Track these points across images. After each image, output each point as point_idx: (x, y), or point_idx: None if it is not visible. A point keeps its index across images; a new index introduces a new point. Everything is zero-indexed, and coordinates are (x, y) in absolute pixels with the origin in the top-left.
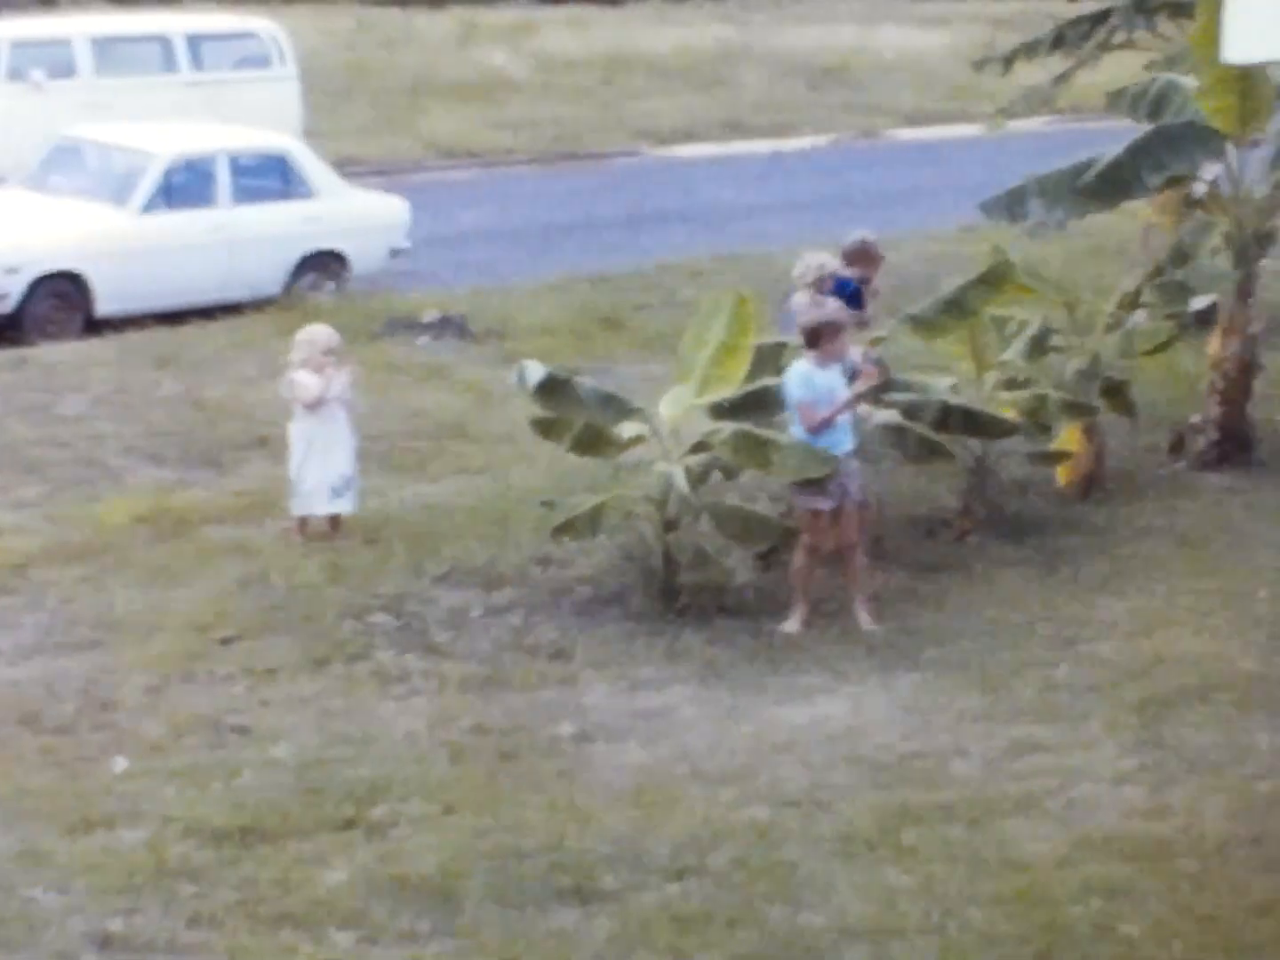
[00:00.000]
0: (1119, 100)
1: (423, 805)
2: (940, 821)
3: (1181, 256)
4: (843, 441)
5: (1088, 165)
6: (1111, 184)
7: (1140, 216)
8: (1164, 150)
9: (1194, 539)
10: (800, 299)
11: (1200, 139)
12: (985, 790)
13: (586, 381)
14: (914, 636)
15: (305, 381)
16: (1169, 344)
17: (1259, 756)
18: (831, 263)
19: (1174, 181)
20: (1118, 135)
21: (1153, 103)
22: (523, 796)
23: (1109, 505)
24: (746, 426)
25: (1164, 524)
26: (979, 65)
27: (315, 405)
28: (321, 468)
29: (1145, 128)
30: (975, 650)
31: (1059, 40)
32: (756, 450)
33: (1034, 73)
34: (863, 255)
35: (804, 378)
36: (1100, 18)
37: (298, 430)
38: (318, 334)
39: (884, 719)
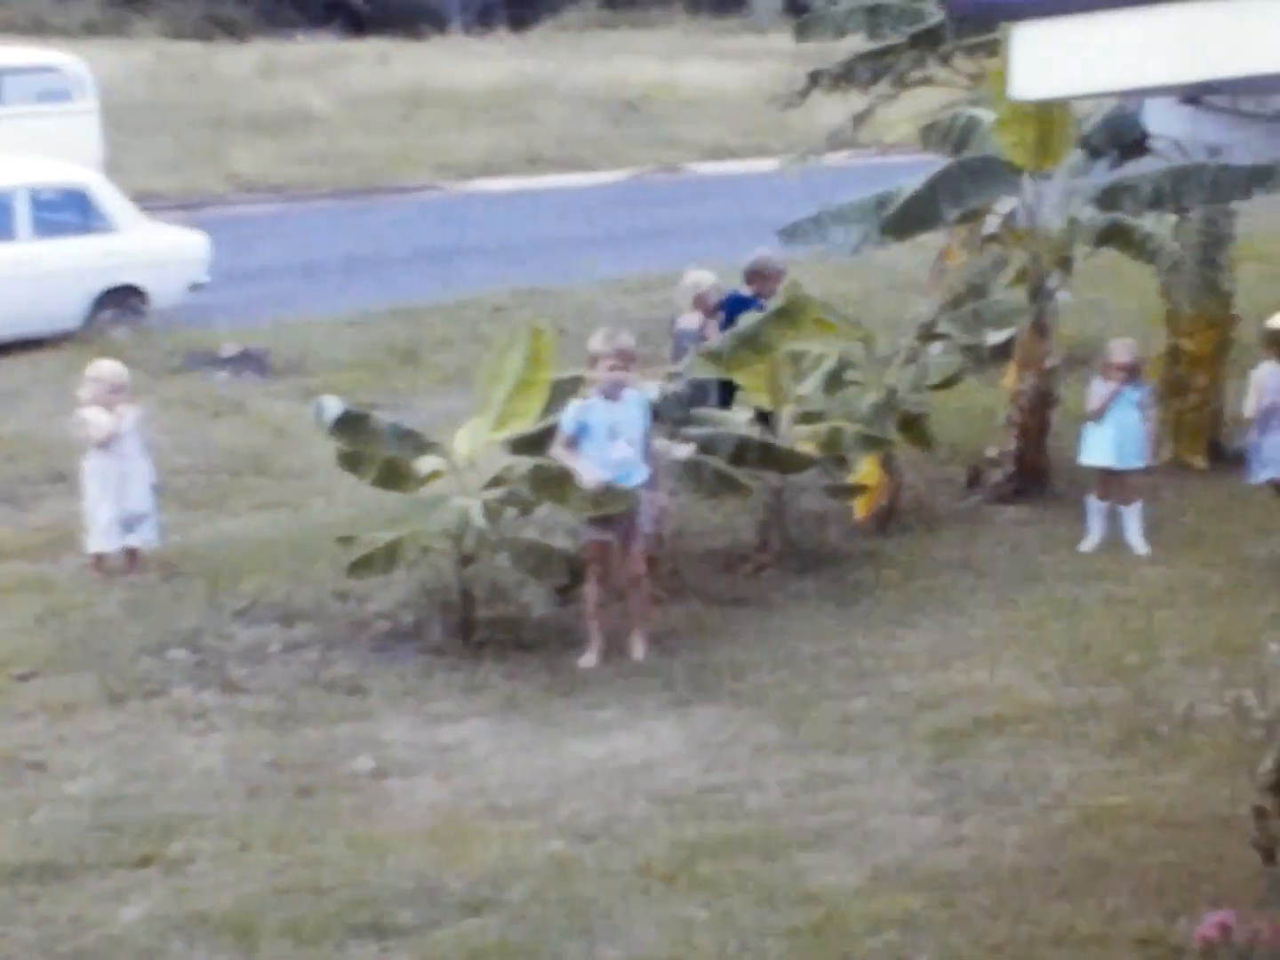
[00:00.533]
0: (930, 135)
1: (220, 842)
2: (736, 854)
3: (978, 290)
4: (632, 474)
5: (887, 196)
6: (911, 217)
7: (935, 249)
8: (962, 184)
9: (989, 571)
10: (689, 319)
11: (997, 173)
12: (781, 823)
13: (384, 416)
14: (711, 670)
15: (95, 419)
16: (960, 376)
17: (1052, 787)
18: (708, 280)
19: (972, 215)
20: (916, 168)
21: (958, 137)
22: (320, 832)
23: (906, 538)
24: (544, 460)
25: (960, 556)
26: (776, 101)
27: (106, 442)
28: (116, 503)
29: (946, 161)
30: (772, 683)
31: (848, 75)
32: (554, 485)
33: (834, 107)
34: (760, 273)
35: (575, 410)
36: (892, 53)
37: (91, 467)
38: (105, 371)
39: (680, 752)
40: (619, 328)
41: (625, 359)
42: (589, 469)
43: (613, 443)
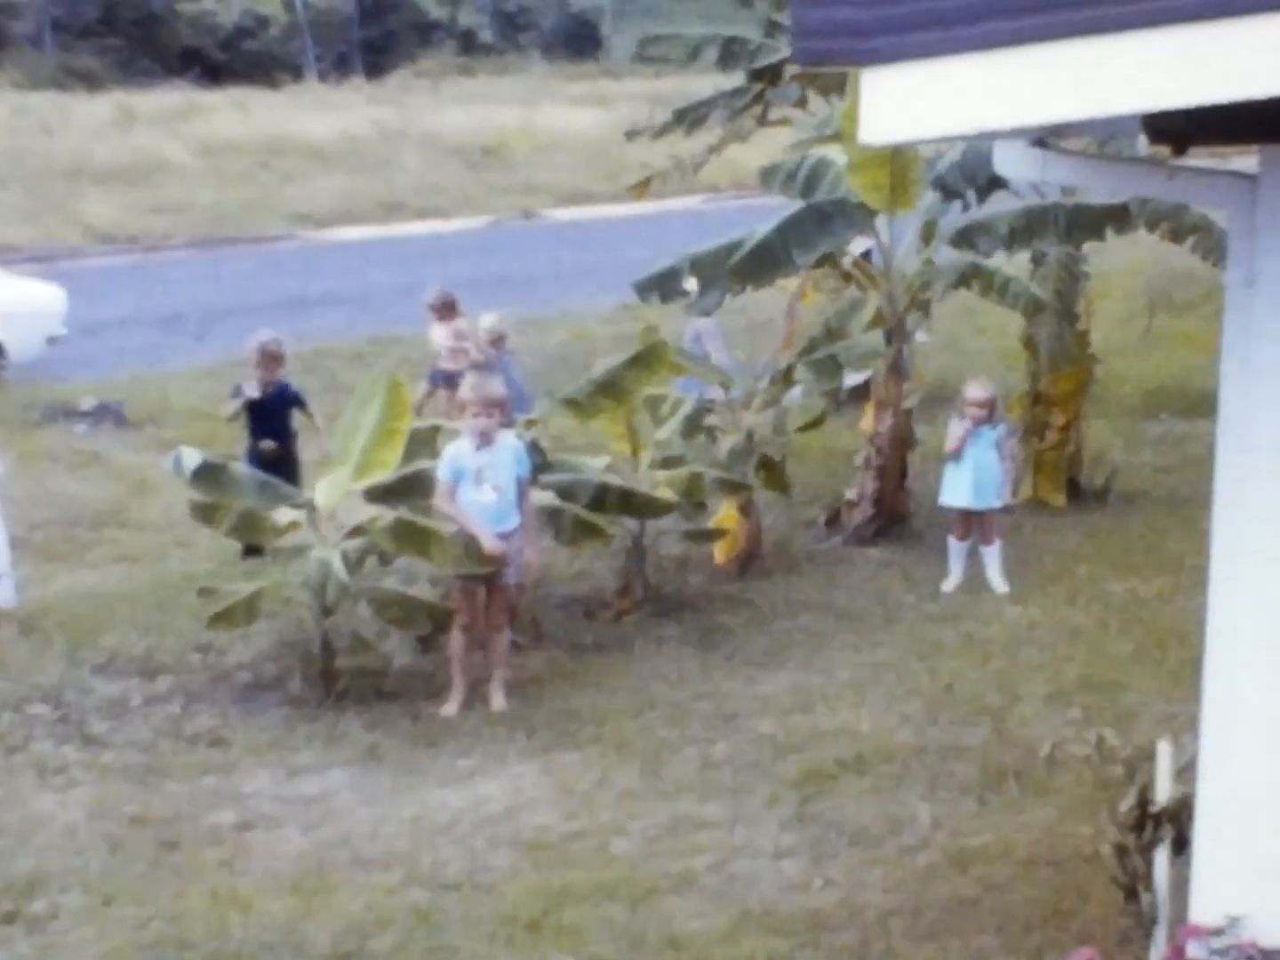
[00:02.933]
0: (772, 177)
1: (83, 897)
2: (602, 901)
3: (835, 333)
4: (500, 521)
5: (740, 243)
6: (762, 263)
7: (787, 291)
8: (813, 228)
9: (851, 612)
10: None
11: (849, 215)
12: (646, 868)
13: (242, 467)
14: (573, 716)
15: None
16: (821, 420)
17: (917, 828)
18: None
19: (826, 258)
20: (775, 211)
21: (806, 179)
22: (184, 886)
23: (767, 581)
24: (405, 514)
25: (821, 599)
26: (630, 136)
27: None
28: None
29: (801, 203)
30: (635, 729)
31: (702, 116)
32: (416, 539)
33: (691, 148)
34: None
35: (448, 457)
36: (749, 93)
37: None
38: None
39: (544, 799)
40: (487, 375)
41: (492, 406)
42: (488, 535)
43: (479, 487)
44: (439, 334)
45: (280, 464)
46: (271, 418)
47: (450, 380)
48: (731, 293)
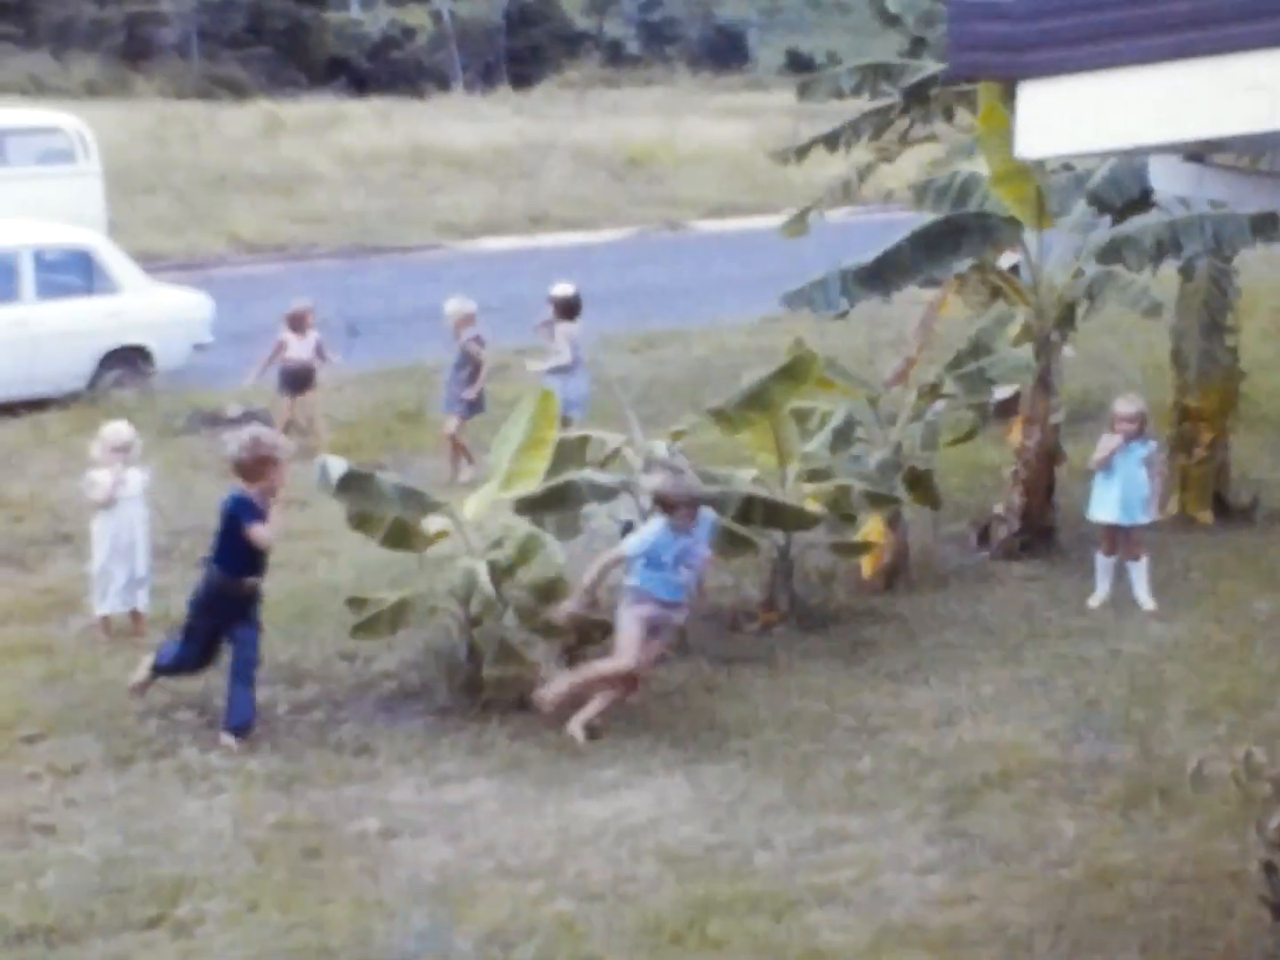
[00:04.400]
0: (924, 193)
1: (227, 903)
2: (745, 913)
3: (981, 346)
4: (686, 589)
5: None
6: (888, 272)
7: (930, 304)
8: (944, 240)
9: (996, 628)
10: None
11: (989, 228)
12: (790, 881)
13: (388, 477)
14: (718, 728)
15: (98, 479)
16: (971, 434)
17: (1060, 844)
18: (466, 307)
19: (976, 270)
20: (909, 227)
21: (957, 195)
22: (327, 893)
23: (912, 595)
24: (535, 530)
25: (967, 613)
26: (777, 157)
27: (107, 503)
28: (123, 565)
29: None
30: (779, 741)
31: (854, 133)
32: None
33: (836, 163)
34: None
35: (648, 536)
36: (894, 110)
37: (99, 528)
38: (108, 432)
39: (688, 811)
40: (681, 474)
41: (696, 506)
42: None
43: (676, 569)
44: (295, 346)
45: None
46: None
47: (302, 384)
48: (865, 299)
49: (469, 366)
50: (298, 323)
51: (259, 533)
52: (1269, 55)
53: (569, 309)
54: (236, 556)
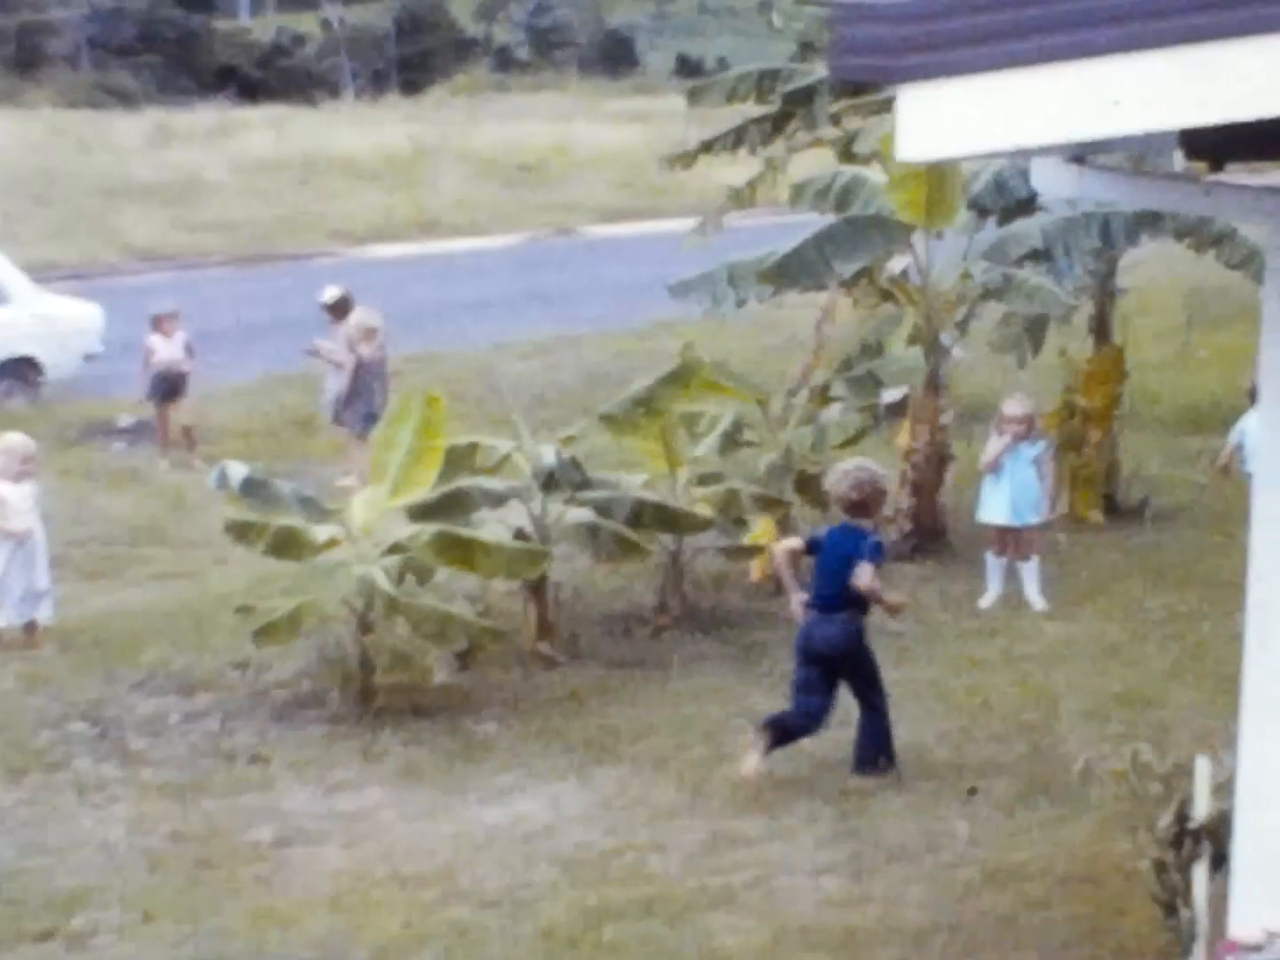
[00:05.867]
0: (803, 194)
1: (122, 914)
2: (641, 917)
3: (871, 349)
4: None
5: (777, 254)
6: (796, 269)
7: (820, 305)
8: (851, 239)
9: (889, 629)
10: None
11: (887, 230)
12: (685, 885)
13: (284, 484)
14: (611, 733)
15: (3, 493)
16: (859, 437)
17: (955, 844)
18: (373, 318)
19: (864, 274)
20: (812, 228)
21: (838, 196)
22: (223, 903)
23: None
24: (448, 526)
25: None
26: (666, 162)
27: (12, 515)
28: (20, 577)
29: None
30: (673, 745)
31: (740, 137)
32: (461, 550)
33: (727, 168)
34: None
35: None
36: (785, 116)
37: None
38: (14, 443)
39: (583, 816)
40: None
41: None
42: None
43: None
44: (162, 349)
45: None
46: None
47: (173, 388)
48: (761, 297)
49: (380, 379)
50: (164, 325)
51: (872, 579)
52: (1149, 57)
53: (342, 310)
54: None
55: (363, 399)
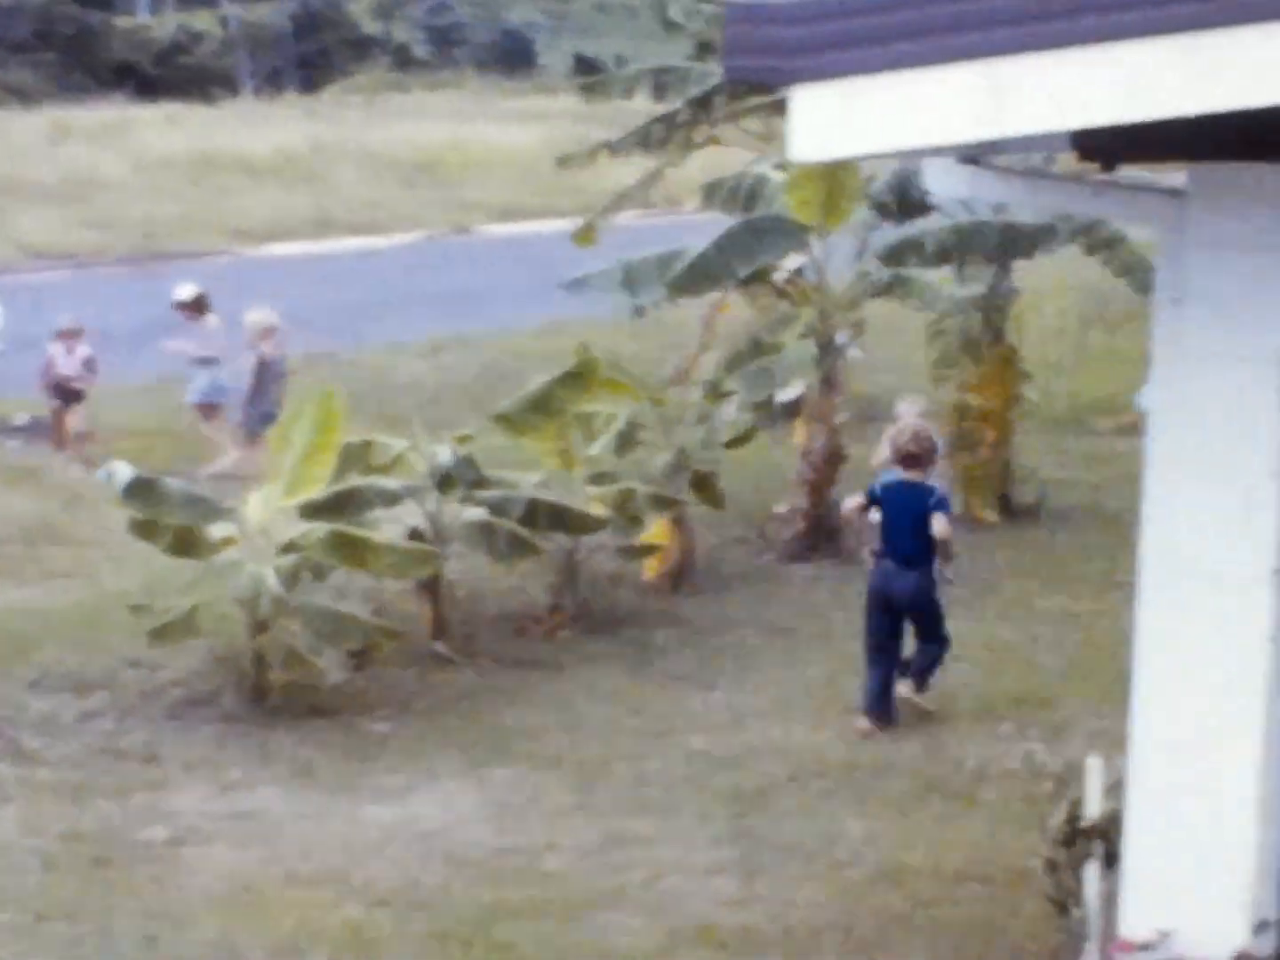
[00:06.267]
0: (713, 194)
1: (15, 914)
2: (534, 916)
3: (764, 346)
4: None
5: (673, 255)
6: (701, 275)
7: (712, 304)
8: (752, 242)
9: (783, 629)
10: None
11: (785, 231)
12: (578, 884)
13: (175, 483)
14: (505, 733)
15: None
16: (750, 435)
17: (848, 844)
18: (269, 317)
19: (760, 272)
20: (708, 226)
21: (746, 196)
22: (116, 902)
23: (699, 597)
24: (341, 526)
25: (753, 615)
26: (563, 161)
27: None
28: None
29: (740, 219)
30: (567, 745)
31: (643, 138)
32: (354, 550)
33: (625, 167)
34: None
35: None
36: (682, 115)
37: None
38: None
39: (476, 815)
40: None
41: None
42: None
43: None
44: (62, 361)
45: None
46: None
47: (68, 397)
48: (667, 302)
49: (279, 379)
50: (66, 338)
51: (947, 526)
52: (1040, 58)
53: (200, 306)
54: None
55: (261, 399)
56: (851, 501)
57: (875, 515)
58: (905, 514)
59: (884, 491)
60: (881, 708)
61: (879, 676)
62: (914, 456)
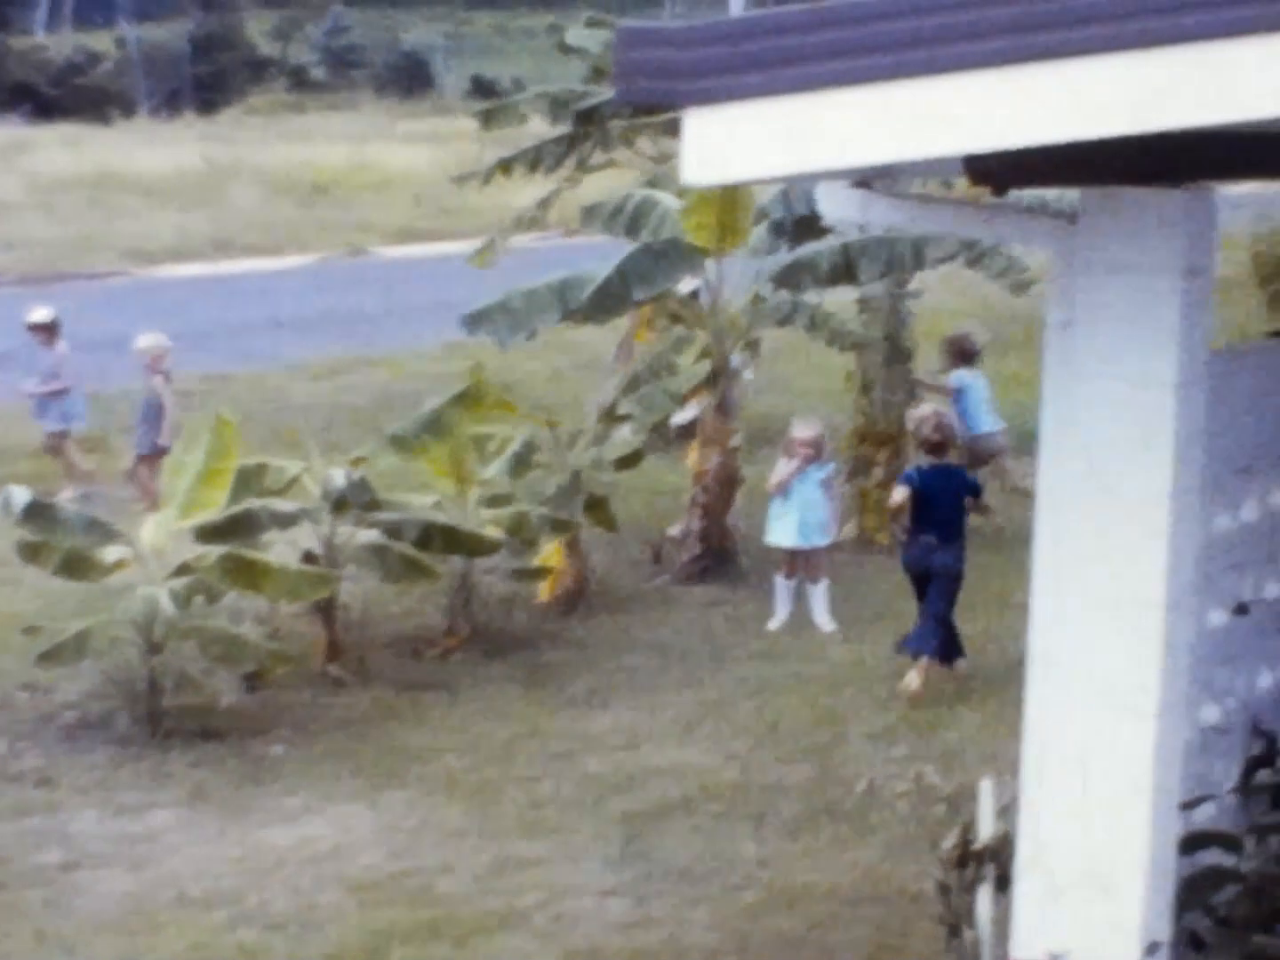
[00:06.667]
0: (594, 216)
1: None
2: (428, 940)
3: (659, 370)
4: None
5: (571, 280)
6: (605, 301)
7: (621, 328)
8: (652, 266)
9: (678, 651)
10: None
11: (684, 255)
12: (472, 907)
13: (70, 506)
14: (400, 755)
15: None
16: (639, 457)
17: (742, 866)
18: (160, 343)
19: (658, 296)
20: (604, 249)
21: (630, 218)
22: (8, 927)
23: (594, 620)
24: (235, 549)
25: (648, 637)
26: (459, 181)
27: None
28: None
29: (627, 242)
30: (461, 768)
31: (537, 159)
32: (247, 573)
33: (521, 189)
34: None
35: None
36: (578, 138)
37: None
38: None
39: (370, 838)
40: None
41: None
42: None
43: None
44: None
45: None
46: None
47: None
48: (561, 326)
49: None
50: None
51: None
52: (937, 81)
53: (52, 330)
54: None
55: (152, 423)
56: (899, 494)
57: (897, 495)
58: (945, 494)
59: (922, 477)
60: (945, 649)
61: (934, 621)
62: (938, 444)
